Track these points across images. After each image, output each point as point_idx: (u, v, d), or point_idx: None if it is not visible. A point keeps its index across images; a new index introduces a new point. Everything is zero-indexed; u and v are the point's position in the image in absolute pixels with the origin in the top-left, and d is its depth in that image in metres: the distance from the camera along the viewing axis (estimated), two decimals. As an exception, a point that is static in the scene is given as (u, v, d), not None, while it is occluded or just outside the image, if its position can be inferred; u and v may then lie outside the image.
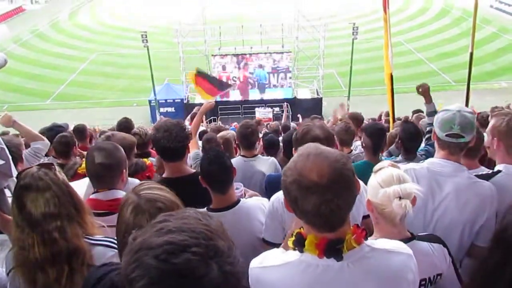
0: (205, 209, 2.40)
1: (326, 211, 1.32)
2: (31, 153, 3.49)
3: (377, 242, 1.52)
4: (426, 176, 2.23)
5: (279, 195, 2.23)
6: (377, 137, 3.42)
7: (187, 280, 0.80)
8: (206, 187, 2.41)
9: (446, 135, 2.22)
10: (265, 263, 1.52)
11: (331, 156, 1.36)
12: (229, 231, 2.22)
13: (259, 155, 4.04)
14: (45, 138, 3.67)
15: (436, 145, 2.35)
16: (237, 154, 4.35)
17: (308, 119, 3.29)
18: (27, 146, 3.64)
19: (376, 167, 1.88)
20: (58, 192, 1.75)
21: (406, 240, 1.81)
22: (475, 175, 2.33)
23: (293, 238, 1.46)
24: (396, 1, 39.85)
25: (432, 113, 3.84)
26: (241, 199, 2.50)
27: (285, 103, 15.23)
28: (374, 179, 1.83)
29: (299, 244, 1.43)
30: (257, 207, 2.48)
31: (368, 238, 1.87)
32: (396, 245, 1.54)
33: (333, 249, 1.38)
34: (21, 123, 3.59)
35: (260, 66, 22.48)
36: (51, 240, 1.69)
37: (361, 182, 2.13)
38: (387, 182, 1.76)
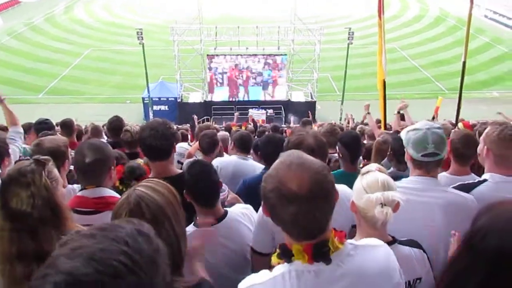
0: (191, 226, 2.31)
1: (303, 221, 1.33)
2: (13, 136, 3.58)
3: (357, 241, 1.56)
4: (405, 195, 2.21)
5: None
6: (353, 146, 3.37)
7: None
8: (191, 202, 2.32)
9: (422, 155, 2.21)
10: (253, 283, 1.46)
11: (313, 166, 1.37)
12: (223, 244, 2.23)
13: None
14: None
15: (410, 165, 2.34)
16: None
17: (300, 127, 3.29)
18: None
19: (363, 170, 1.90)
20: (36, 194, 1.71)
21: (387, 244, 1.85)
22: (461, 184, 2.34)
23: (278, 251, 1.46)
24: (392, 8, 40.10)
25: None
26: (228, 209, 2.45)
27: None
28: (359, 182, 1.85)
29: (286, 254, 1.42)
30: (244, 214, 2.46)
31: (352, 239, 1.91)
32: (374, 242, 1.58)
33: (320, 253, 1.39)
34: (7, 104, 3.80)
35: (267, 65, 22.60)
36: (19, 238, 1.66)
37: (346, 190, 2.14)
38: (372, 187, 1.79)
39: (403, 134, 2.35)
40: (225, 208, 2.44)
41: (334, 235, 1.42)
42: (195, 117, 11.74)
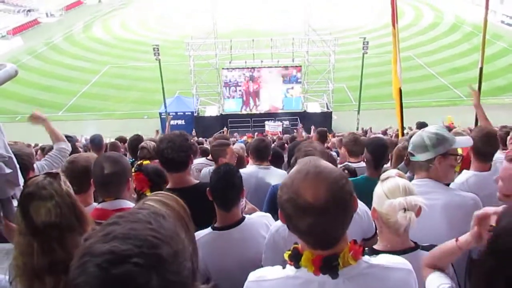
0: (209, 228, 2.36)
1: (320, 231, 1.31)
2: (56, 153, 3.55)
3: (375, 258, 1.50)
4: None
5: (279, 226, 2.21)
6: (378, 153, 3.43)
7: None
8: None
9: (426, 159, 2.30)
10: (262, 277, 1.52)
11: (330, 177, 1.32)
12: (235, 249, 2.24)
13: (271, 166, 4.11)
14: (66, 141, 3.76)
15: (414, 168, 2.43)
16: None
17: (307, 142, 3.28)
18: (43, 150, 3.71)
19: (383, 176, 1.91)
20: (61, 203, 1.75)
21: (409, 250, 1.85)
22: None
23: (290, 252, 1.45)
24: (406, 17, 39.97)
25: None
26: (246, 215, 2.48)
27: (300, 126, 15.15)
28: (380, 188, 1.86)
29: (295, 259, 1.41)
30: (262, 223, 2.46)
31: (373, 246, 1.91)
32: (395, 260, 1.51)
33: (328, 266, 1.36)
34: (50, 123, 3.69)
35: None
36: (50, 250, 1.69)
37: (360, 203, 2.14)
38: (393, 193, 1.79)
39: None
40: (243, 215, 2.46)
41: (350, 249, 1.38)
42: (226, 129, 11.88)
